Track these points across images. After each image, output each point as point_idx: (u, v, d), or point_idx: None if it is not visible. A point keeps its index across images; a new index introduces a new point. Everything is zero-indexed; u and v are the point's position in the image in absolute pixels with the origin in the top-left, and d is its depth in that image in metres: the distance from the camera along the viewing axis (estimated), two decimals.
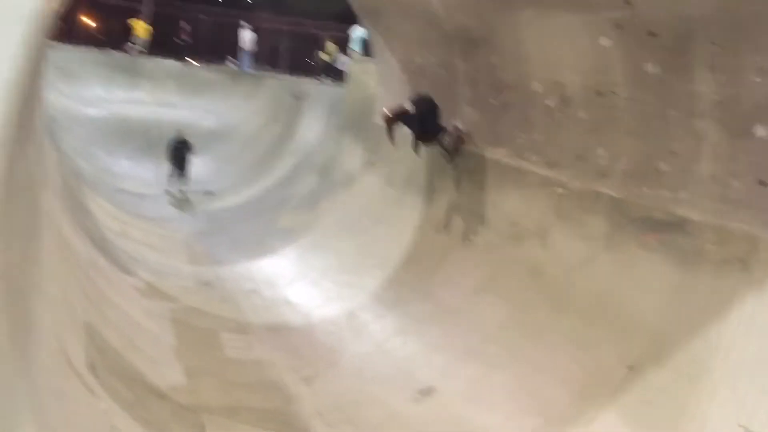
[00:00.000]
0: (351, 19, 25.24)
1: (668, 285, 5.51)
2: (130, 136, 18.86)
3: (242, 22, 24.00)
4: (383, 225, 10.12)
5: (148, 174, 17.19)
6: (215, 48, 26.56)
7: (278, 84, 20.74)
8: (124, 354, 5.81)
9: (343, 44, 22.44)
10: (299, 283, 9.93)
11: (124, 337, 6.20)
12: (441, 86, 9.21)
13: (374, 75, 11.87)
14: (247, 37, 23.73)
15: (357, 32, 15.56)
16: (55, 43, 17.85)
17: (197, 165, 17.05)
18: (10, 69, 1.98)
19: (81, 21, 28.26)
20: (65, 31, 24.56)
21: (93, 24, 30.89)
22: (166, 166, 16.05)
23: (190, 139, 16.26)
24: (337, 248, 10.48)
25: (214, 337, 7.80)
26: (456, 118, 8.66)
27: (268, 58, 28.08)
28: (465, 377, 6.57)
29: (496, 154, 8.03)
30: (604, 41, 6.01)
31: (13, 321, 3.07)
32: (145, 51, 23.72)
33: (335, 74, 20.47)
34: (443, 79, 9.09)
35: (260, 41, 25.83)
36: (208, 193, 16.13)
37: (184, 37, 24.87)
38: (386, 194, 10.52)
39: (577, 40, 6.33)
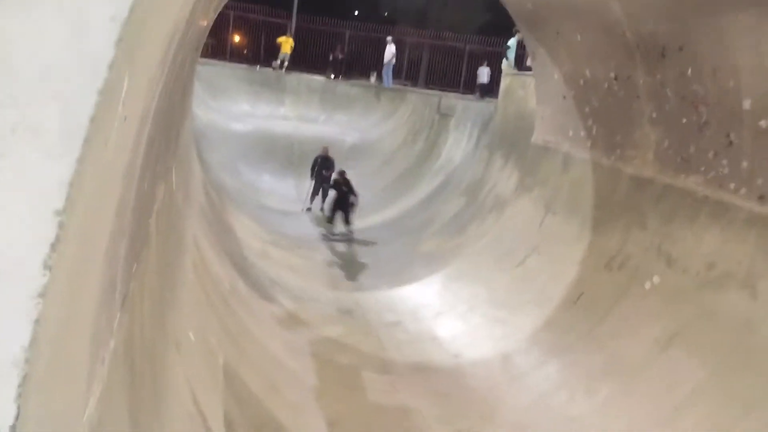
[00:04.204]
0: (495, 31, 24.50)
1: None
2: (273, 151, 18.92)
3: (387, 38, 23.67)
4: (540, 256, 9.11)
5: (290, 190, 17.10)
6: (358, 63, 26.55)
7: (421, 99, 20.16)
8: (264, 401, 5.23)
9: (488, 58, 21.63)
10: (445, 316, 9.11)
11: (264, 379, 5.65)
12: (615, 104, 8.13)
13: (532, 90, 10.89)
14: (389, 51, 23.38)
15: (511, 43, 14.61)
16: (205, 60, 18.31)
17: None
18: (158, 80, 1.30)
19: (230, 38, 29.23)
20: (215, 48, 25.45)
21: (242, 41, 31.94)
22: (307, 183, 15.81)
23: (333, 155, 15.95)
24: (487, 279, 9.56)
25: (356, 377, 7.14)
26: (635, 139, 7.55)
27: (410, 72, 27.76)
28: None
29: (687, 182, 6.83)
30: None
31: (145, 392, 2.45)
32: (288, 66, 23.98)
33: (484, 89, 19.61)
34: (619, 96, 7.99)
35: (402, 56, 25.51)
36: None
37: (339, 54, 24.90)
38: (544, 221, 9.49)
39: None
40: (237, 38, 31.37)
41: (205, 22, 6.87)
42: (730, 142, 6.25)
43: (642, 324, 6.72)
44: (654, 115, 7.38)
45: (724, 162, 6.34)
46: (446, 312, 9.22)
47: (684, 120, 6.85)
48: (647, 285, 6.98)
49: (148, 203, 2.62)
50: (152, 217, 2.84)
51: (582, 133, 8.97)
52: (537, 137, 10.47)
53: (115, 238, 1.47)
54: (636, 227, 7.51)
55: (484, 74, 21.17)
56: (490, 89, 19.92)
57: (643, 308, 6.88)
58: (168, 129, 3.51)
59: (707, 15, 6.08)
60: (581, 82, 8.82)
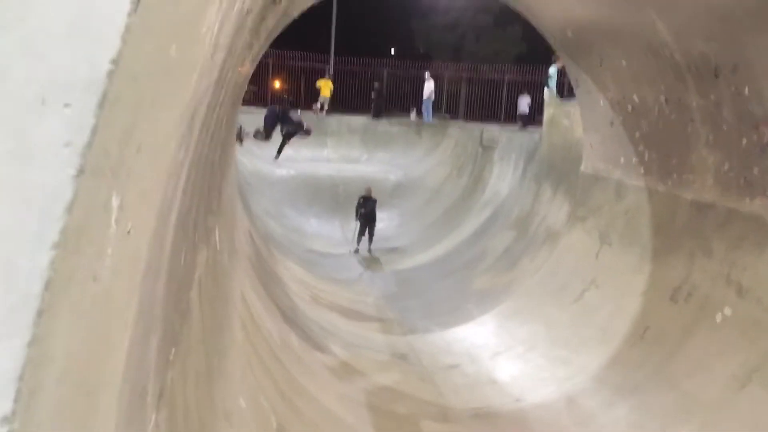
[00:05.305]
0: (532, 59, 24.27)
1: None
2: (318, 194, 18.94)
3: (426, 74, 23.69)
4: (599, 289, 8.73)
5: (336, 232, 17.03)
6: (397, 101, 26.62)
7: (462, 133, 20.01)
8: None
9: (527, 87, 21.44)
10: (504, 357, 8.76)
11: None
12: (667, 128, 7.81)
13: (578, 118, 10.61)
14: (428, 87, 23.36)
15: (551, 72, 14.39)
16: (247, 107, 18.52)
17: (383, 221, 16.63)
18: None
19: (271, 84, 29.70)
20: (256, 94, 25.85)
21: (282, 86, 32.43)
22: (353, 224, 15.71)
23: (377, 195, 15.84)
24: (544, 316, 9.20)
25: (416, 428, 6.86)
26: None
27: (449, 106, 27.72)
28: None
29: (753, 206, 6.45)
30: None
31: None
32: (328, 109, 24.17)
33: (525, 119, 19.36)
34: (671, 120, 7.68)
35: (441, 90, 25.50)
36: (395, 251, 15.58)
37: (376, 93, 24.97)
38: (600, 253, 9.12)
39: None
40: (277, 84, 31.88)
41: (244, 70, 6.83)
42: None
43: (716, 359, 6.31)
44: (710, 137, 7.04)
45: None
46: (504, 352, 8.88)
47: (744, 141, 6.50)
48: (718, 317, 6.57)
49: (187, 276, 2.48)
50: (193, 289, 2.70)
51: (634, 160, 8.65)
52: (586, 166, 10.16)
53: (139, 347, 1.31)
54: (701, 255, 7.12)
55: (524, 104, 20.94)
56: (531, 118, 19.67)
57: (716, 342, 6.46)
58: (209, 192, 3.39)
59: (761, 32, 5.79)
60: (629, 107, 8.53)
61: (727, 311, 6.47)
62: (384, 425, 6.61)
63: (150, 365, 1.52)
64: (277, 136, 14.44)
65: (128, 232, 1.06)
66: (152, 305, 1.44)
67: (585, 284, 8.99)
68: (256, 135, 13.54)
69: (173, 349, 2.06)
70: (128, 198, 1.02)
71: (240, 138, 12.47)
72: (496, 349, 9.04)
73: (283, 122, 14.07)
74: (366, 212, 15.37)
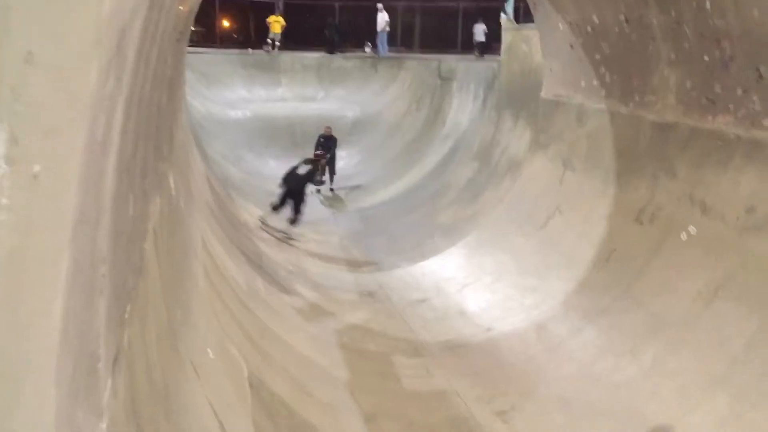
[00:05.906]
0: None
1: None
2: (275, 135, 18.48)
3: (379, 5, 22.98)
4: (564, 216, 8.74)
5: None
6: (351, 35, 25.90)
7: (419, 65, 19.63)
8: (295, 407, 4.95)
9: (482, 14, 21.04)
10: (472, 288, 8.78)
11: (292, 383, 5.36)
12: (628, 48, 7.68)
13: (536, 43, 10.41)
14: (382, 19, 22.72)
15: None
16: (195, 49, 17.82)
17: (343, 159, 16.38)
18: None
19: (218, 23, 28.63)
20: (205, 35, 24.90)
21: (231, 25, 31.30)
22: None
23: (335, 133, 15.50)
24: (511, 246, 9.21)
25: (388, 364, 6.86)
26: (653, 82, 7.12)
27: (405, 38, 27.14)
28: (714, 415, 5.13)
29: (715, 123, 6.41)
30: None
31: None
32: (281, 46, 23.42)
33: (482, 47, 19.04)
34: (632, 39, 7.54)
35: (395, 22, 24.90)
36: (357, 188, 15.39)
37: (329, 27, 24.21)
38: (564, 179, 9.10)
39: None
40: (225, 23, 30.72)
41: (186, 8, 6.43)
42: (760, 76, 5.82)
43: (682, 278, 6.37)
44: (672, 55, 6.93)
45: (755, 98, 5.92)
46: (472, 284, 8.90)
47: (706, 58, 6.41)
48: (683, 236, 6.61)
49: (139, 227, 2.29)
50: (147, 241, 2.51)
51: (595, 83, 8.54)
52: (547, 92, 10.03)
53: (80, 312, 1.13)
54: (664, 176, 7.11)
55: (479, 32, 20.54)
56: (488, 46, 19.38)
57: (681, 261, 6.52)
58: (157, 135, 3.16)
59: None
60: (589, 28, 8.35)
61: (692, 230, 6.50)
62: (356, 364, 6.59)
63: (99, 329, 1.35)
64: None
65: (35, 176, 0.86)
66: (93, 263, 1.26)
67: (549, 211, 8.99)
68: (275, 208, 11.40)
69: (128, 307, 1.89)
70: (24, 130, 0.82)
71: (265, 222, 10.70)
72: (463, 281, 9.06)
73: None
74: (326, 151, 15.06)
